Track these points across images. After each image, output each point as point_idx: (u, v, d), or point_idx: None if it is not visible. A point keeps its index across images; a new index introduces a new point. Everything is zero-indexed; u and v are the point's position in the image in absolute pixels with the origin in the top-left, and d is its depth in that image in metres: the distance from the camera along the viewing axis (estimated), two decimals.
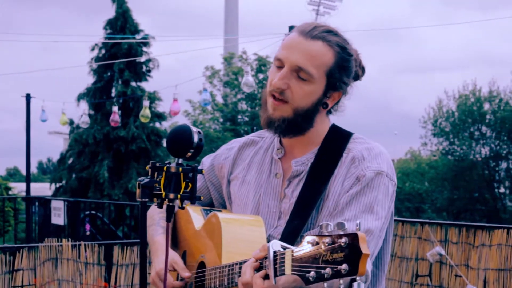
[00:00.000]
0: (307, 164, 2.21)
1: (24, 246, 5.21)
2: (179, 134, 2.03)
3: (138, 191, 1.99)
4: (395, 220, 6.22)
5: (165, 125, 23.64)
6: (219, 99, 28.51)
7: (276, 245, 1.75)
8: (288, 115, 2.14)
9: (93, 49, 22.28)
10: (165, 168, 2.00)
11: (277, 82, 2.13)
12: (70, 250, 5.47)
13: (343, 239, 1.51)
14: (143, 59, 22.51)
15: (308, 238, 1.61)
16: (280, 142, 2.29)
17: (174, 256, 2.27)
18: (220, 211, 2.40)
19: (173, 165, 2.01)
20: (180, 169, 1.99)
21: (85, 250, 5.39)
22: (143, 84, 22.48)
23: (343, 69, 2.15)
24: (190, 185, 2.00)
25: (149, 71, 22.75)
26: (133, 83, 22.17)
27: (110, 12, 22.54)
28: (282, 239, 2.12)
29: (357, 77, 2.24)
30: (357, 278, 1.51)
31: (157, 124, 22.95)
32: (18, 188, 32.29)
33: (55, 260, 5.43)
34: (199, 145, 2.04)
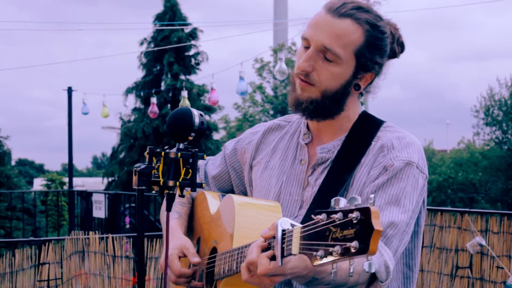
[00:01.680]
0: (333, 152, 2.06)
1: (50, 239, 5.17)
2: (179, 116, 1.90)
3: (134, 178, 1.86)
4: (433, 210, 6.03)
5: (215, 118, 23.65)
6: (269, 91, 28.37)
7: (285, 223, 1.61)
8: (316, 96, 2.00)
9: (142, 43, 22.39)
10: (163, 153, 1.86)
11: (301, 64, 1.99)
12: (97, 243, 5.40)
13: (355, 214, 1.36)
14: (192, 52, 22.55)
15: (319, 215, 1.45)
16: (307, 127, 2.15)
17: (185, 242, 2.16)
18: None
19: (173, 150, 1.88)
20: (179, 154, 1.85)
21: (113, 243, 5.31)
22: (192, 77, 22.51)
23: (375, 48, 2.00)
24: (190, 171, 1.87)
25: (198, 64, 22.76)
26: (182, 76, 22.21)
27: (159, 6, 22.57)
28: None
29: (394, 55, 2.09)
30: (369, 258, 1.36)
31: (207, 117, 22.92)
32: (73, 182, 32.74)
33: (82, 253, 5.37)
34: (201, 129, 1.90)
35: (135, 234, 2.06)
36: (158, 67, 22.46)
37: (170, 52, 21.68)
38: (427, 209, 6.02)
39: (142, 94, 22.08)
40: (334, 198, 1.44)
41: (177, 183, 1.84)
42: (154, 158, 1.88)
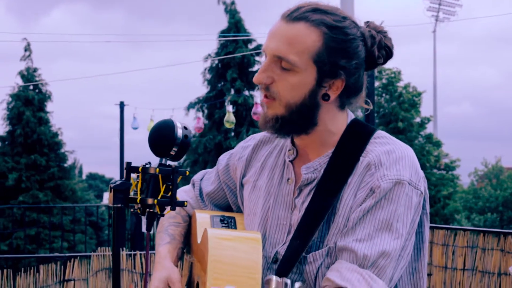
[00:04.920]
0: (319, 171, 1.86)
1: (76, 255, 5.09)
2: (160, 129, 1.76)
3: (110, 195, 1.72)
4: (475, 231, 5.73)
5: None
6: None
7: None
8: (282, 112, 1.80)
9: (206, 59, 22.55)
10: (140, 168, 1.72)
11: (257, 76, 1.81)
12: (125, 260, 5.27)
13: None
14: (256, 67, 22.56)
15: None
16: (292, 141, 1.95)
17: (171, 273, 1.99)
18: (233, 218, 2.10)
19: (152, 166, 1.74)
20: (157, 170, 1.71)
21: (140, 260, 5.19)
22: (255, 93, 22.52)
23: (337, 51, 1.77)
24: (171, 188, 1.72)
25: None
26: (246, 92, 22.23)
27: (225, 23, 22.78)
28: (282, 262, 1.82)
29: (373, 59, 1.85)
30: None
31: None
32: None
33: (109, 270, 5.26)
34: (184, 142, 1.76)
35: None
36: (222, 83, 22.57)
37: (234, 68, 21.76)
38: (469, 230, 5.76)
39: (206, 109, 22.20)
40: (266, 278, 1.30)
41: (155, 201, 1.70)
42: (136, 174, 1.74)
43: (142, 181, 1.73)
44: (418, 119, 25.54)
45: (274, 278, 1.23)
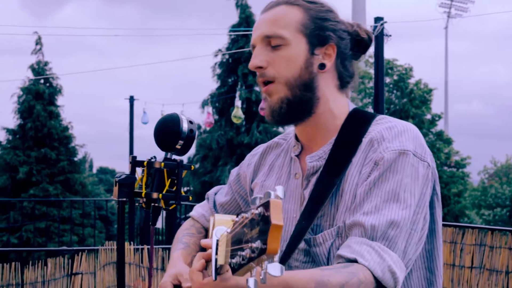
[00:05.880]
0: (324, 158, 1.86)
1: (84, 248, 5.09)
2: (166, 123, 1.76)
3: (115, 189, 1.72)
4: (483, 228, 5.70)
5: (288, 130, 23.50)
6: None
7: (220, 231, 1.41)
8: (284, 93, 1.82)
9: (216, 54, 22.52)
10: (145, 163, 1.72)
11: (251, 62, 1.84)
12: (132, 254, 5.28)
13: (258, 210, 1.19)
14: None
15: (240, 216, 1.27)
16: (297, 138, 1.96)
17: (182, 270, 1.99)
18: None
19: (157, 160, 1.74)
20: (163, 164, 1.71)
21: (148, 254, 5.18)
22: None
23: (321, 19, 1.84)
24: (176, 182, 1.72)
25: None
26: (257, 88, 22.20)
27: (235, 17, 22.75)
28: (289, 243, 1.80)
29: (358, 37, 1.91)
30: (275, 258, 1.16)
31: (280, 129, 22.87)
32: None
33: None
34: (189, 136, 1.76)
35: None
36: (233, 79, 22.54)
37: (245, 64, 21.72)
38: (478, 228, 5.72)
39: (217, 105, 22.19)
40: (253, 196, 1.27)
41: (160, 195, 1.70)
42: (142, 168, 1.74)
43: (147, 176, 1.73)
44: (429, 116, 25.43)
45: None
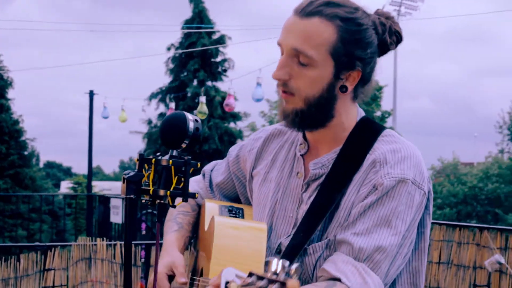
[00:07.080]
0: (327, 166, 1.90)
1: (56, 244, 5.06)
2: (172, 122, 1.78)
3: (122, 186, 1.74)
4: (451, 225, 5.84)
5: (240, 126, 23.54)
6: None
7: (230, 274, 1.44)
8: (301, 107, 1.84)
9: (169, 49, 22.42)
10: (153, 160, 1.74)
11: (276, 73, 1.84)
12: (104, 250, 5.27)
13: (274, 285, 1.20)
14: (219, 59, 22.52)
15: (251, 276, 1.29)
16: (304, 136, 2.00)
17: (176, 259, 2.02)
18: (241, 209, 2.14)
19: (164, 157, 1.76)
20: (171, 161, 1.73)
21: (121, 250, 5.18)
22: (218, 84, 22.48)
23: (353, 43, 1.82)
24: (182, 180, 1.75)
25: (225, 71, 22.73)
26: (208, 83, 22.19)
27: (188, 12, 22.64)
28: (285, 253, 1.86)
29: (386, 46, 1.91)
30: None
31: (232, 125, 22.90)
32: (99, 186, 32.96)
33: (89, 260, 5.24)
34: (195, 135, 1.78)
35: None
36: (185, 73, 22.48)
37: (196, 59, 21.68)
38: (445, 224, 5.86)
39: (168, 99, 22.08)
40: (266, 259, 1.31)
41: (168, 192, 1.72)
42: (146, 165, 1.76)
43: (154, 173, 1.75)
44: (378, 113, 25.81)
45: (275, 259, 1.25)
